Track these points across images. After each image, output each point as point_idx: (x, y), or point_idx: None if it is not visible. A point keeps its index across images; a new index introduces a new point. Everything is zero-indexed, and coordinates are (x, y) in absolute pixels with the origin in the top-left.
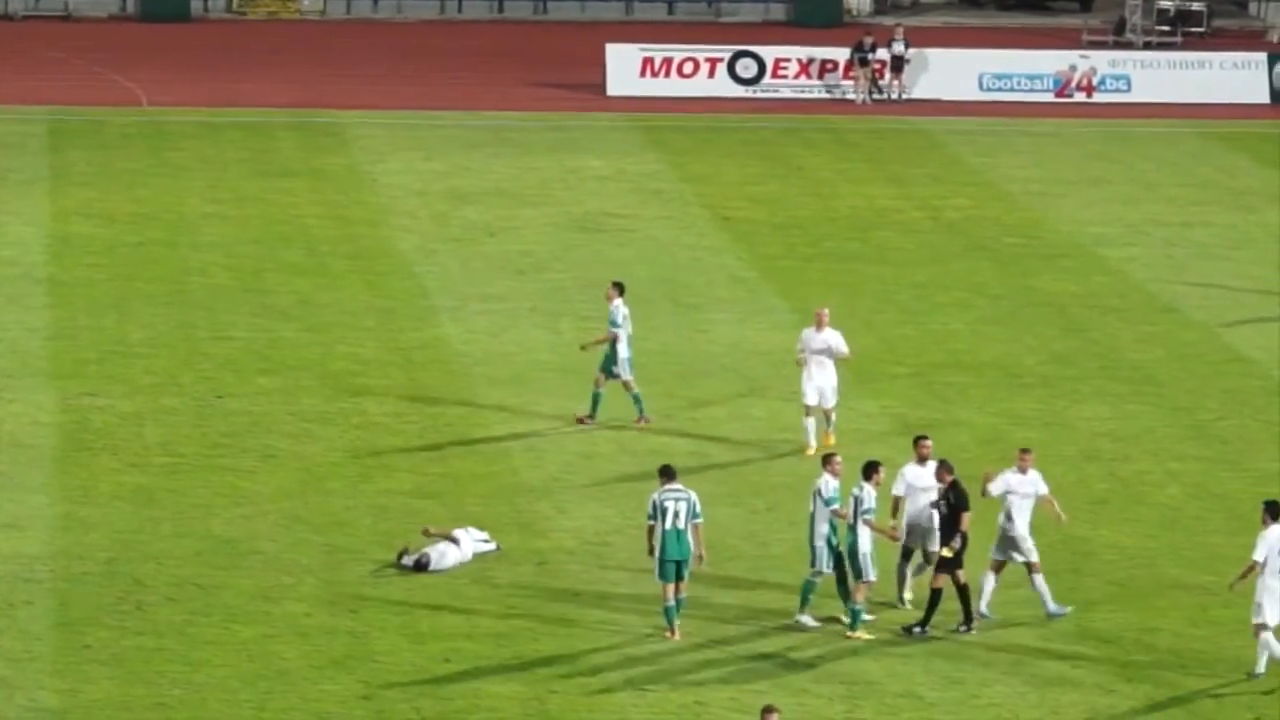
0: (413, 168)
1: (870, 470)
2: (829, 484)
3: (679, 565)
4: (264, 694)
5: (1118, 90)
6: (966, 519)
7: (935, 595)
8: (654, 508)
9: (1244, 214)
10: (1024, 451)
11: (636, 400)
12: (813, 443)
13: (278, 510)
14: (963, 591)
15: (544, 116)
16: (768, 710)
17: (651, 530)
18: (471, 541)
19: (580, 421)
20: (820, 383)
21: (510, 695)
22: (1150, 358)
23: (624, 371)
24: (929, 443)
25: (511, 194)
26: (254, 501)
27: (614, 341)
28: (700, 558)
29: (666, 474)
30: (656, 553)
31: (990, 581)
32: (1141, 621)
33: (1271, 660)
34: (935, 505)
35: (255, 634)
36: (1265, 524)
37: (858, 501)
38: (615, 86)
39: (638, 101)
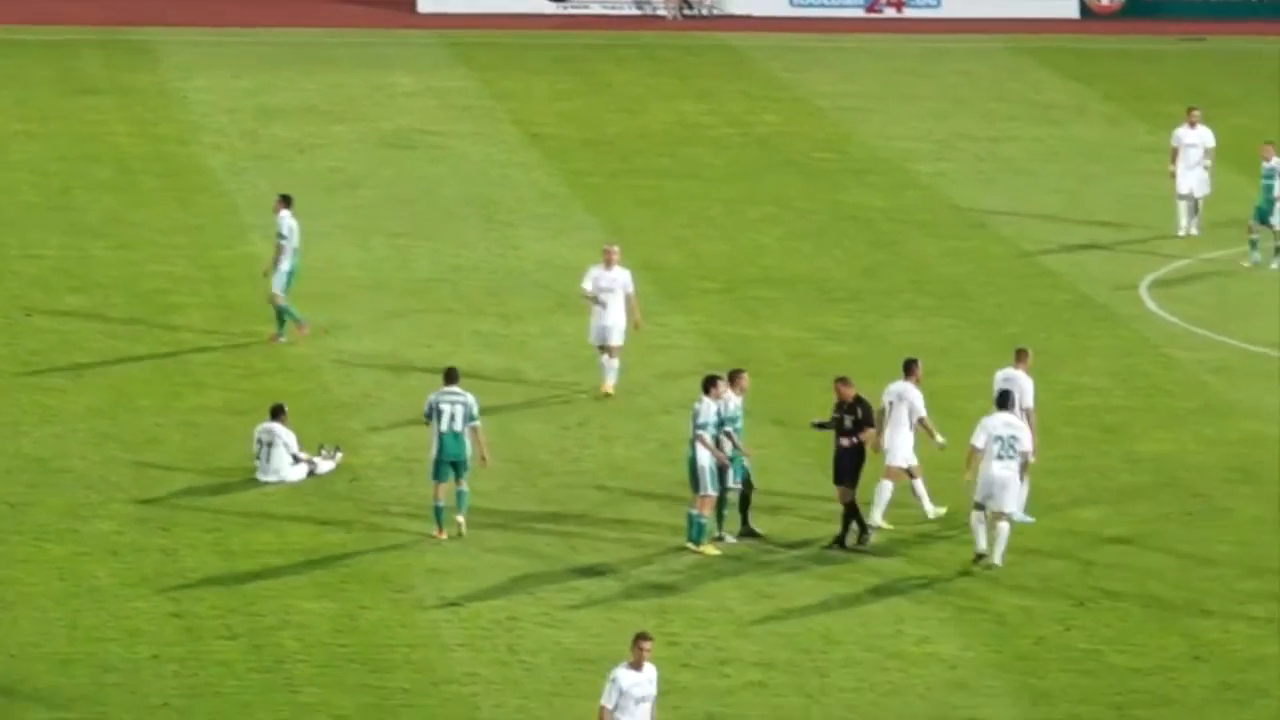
0: (222, 85)
1: (709, 384)
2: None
3: (455, 466)
4: (75, 611)
5: (928, 6)
6: (871, 435)
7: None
8: (430, 409)
9: (1052, 128)
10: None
11: (281, 316)
12: (610, 381)
13: (88, 428)
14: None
15: (353, 33)
16: (641, 637)
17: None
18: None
19: (273, 340)
20: (608, 321)
21: (321, 611)
22: (959, 272)
23: (277, 285)
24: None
25: (321, 111)
26: (64, 419)
27: (279, 254)
28: (483, 459)
29: (448, 377)
30: (433, 453)
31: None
32: (952, 532)
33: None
34: (838, 421)
35: (66, 552)
36: (992, 411)
37: (695, 415)
38: (425, 3)
39: (448, 18)
